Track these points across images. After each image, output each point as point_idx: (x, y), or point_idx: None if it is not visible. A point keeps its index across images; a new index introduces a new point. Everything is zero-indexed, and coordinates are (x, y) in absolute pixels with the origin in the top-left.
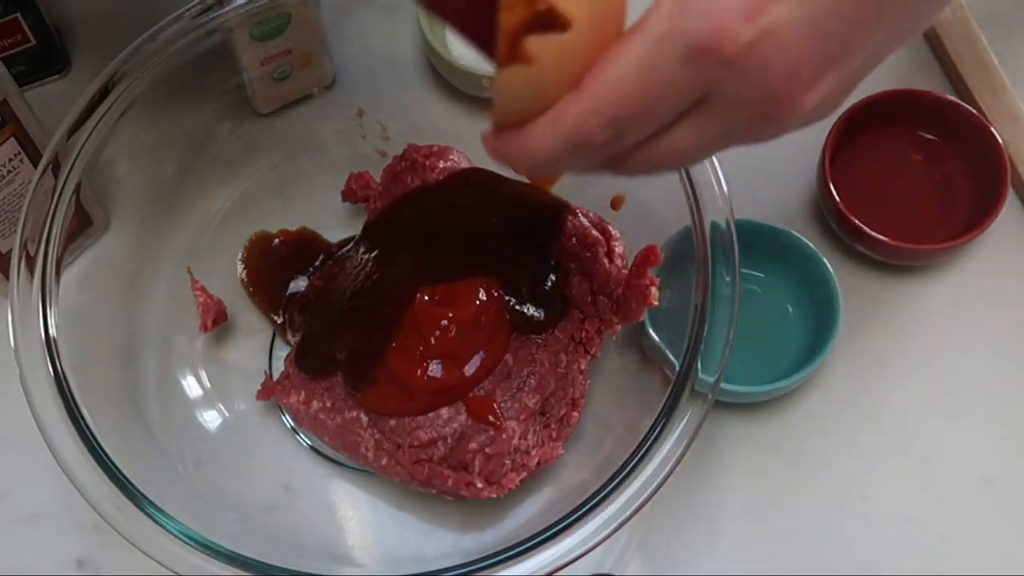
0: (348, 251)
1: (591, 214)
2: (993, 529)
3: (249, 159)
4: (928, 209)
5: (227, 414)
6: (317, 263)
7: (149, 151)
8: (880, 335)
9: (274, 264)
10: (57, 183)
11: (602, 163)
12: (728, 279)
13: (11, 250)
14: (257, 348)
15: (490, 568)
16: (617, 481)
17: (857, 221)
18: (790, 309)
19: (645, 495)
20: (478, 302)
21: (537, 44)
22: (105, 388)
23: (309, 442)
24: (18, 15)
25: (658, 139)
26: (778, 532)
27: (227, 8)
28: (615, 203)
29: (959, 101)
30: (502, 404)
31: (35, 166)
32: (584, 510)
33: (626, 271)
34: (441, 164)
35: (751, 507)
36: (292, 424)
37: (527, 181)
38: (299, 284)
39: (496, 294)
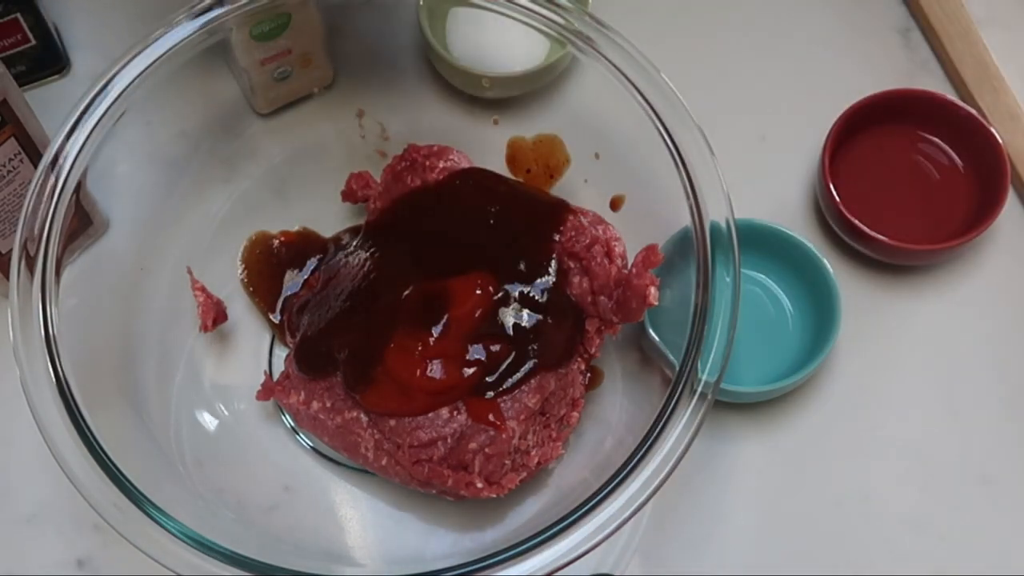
0: (348, 252)
1: (591, 214)
2: (993, 529)
3: (249, 159)
4: (928, 209)
5: (227, 414)
6: (316, 262)
7: (149, 151)
8: (880, 335)
9: (274, 264)
10: (57, 183)
11: None
12: (728, 279)
13: (11, 250)
14: (257, 348)
15: (490, 568)
16: (617, 481)
17: (857, 221)
18: (790, 309)
19: (645, 495)
20: (478, 302)
21: None
22: (105, 388)
23: (309, 442)
24: (18, 15)
25: None
26: (778, 532)
27: (227, 8)
28: (615, 203)
29: (959, 101)
30: (502, 404)
31: (35, 166)
32: (584, 510)
33: (626, 271)
34: (441, 164)
35: (751, 507)
36: (292, 424)
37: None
38: (298, 284)
39: (496, 294)
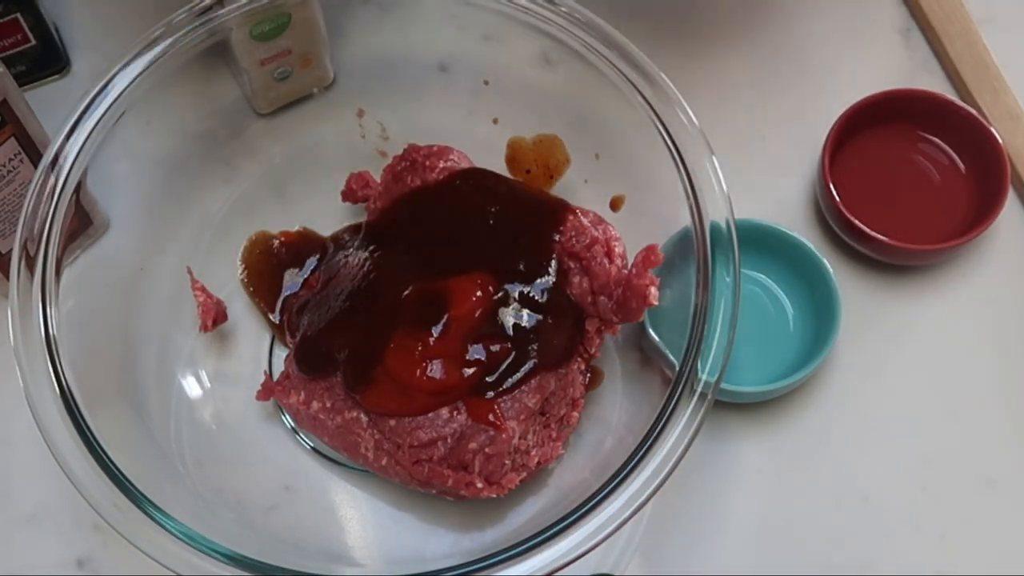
0: (348, 252)
1: (591, 214)
2: (993, 529)
3: (249, 159)
4: (928, 209)
5: (227, 414)
6: (316, 262)
7: (149, 151)
8: (880, 335)
9: (274, 264)
10: (57, 183)
11: None
12: (728, 279)
13: (11, 250)
14: (257, 348)
15: (490, 568)
16: (617, 481)
17: (857, 221)
18: (790, 309)
19: (645, 495)
20: (478, 302)
21: None
22: (105, 388)
23: (309, 442)
24: (18, 15)
25: None
26: (778, 532)
27: (227, 8)
28: (615, 203)
29: (959, 101)
30: (502, 404)
31: (35, 166)
32: (584, 510)
33: (626, 271)
34: (441, 164)
35: (751, 507)
36: (292, 424)
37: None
38: (298, 284)
39: (495, 294)
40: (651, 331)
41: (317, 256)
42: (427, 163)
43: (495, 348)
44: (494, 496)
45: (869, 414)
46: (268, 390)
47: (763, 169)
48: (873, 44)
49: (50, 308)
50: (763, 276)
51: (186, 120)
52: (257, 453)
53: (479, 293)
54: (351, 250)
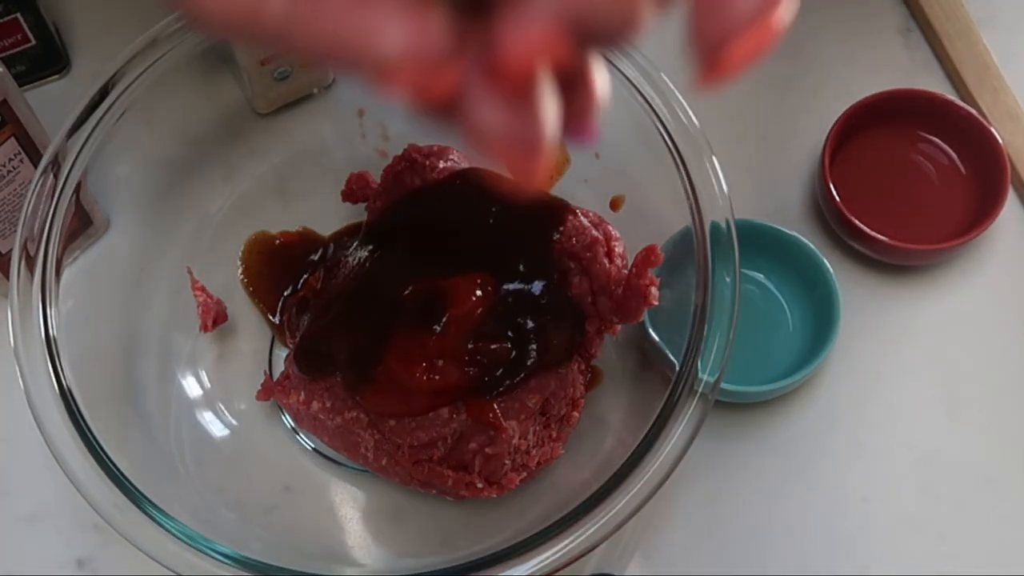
0: (348, 252)
1: (591, 214)
2: (993, 529)
3: (249, 159)
4: (928, 209)
5: (227, 414)
6: (316, 262)
7: (149, 151)
8: (880, 335)
9: (274, 264)
10: (57, 183)
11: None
12: (728, 279)
13: (11, 250)
14: (257, 348)
15: (490, 568)
16: (617, 481)
17: (857, 221)
18: (790, 309)
19: (645, 495)
20: (478, 302)
21: None
22: (105, 388)
23: (309, 442)
24: (18, 15)
25: None
26: (778, 532)
27: None
28: (615, 203)
29: (959, 101)
30: (502, 404)
31: (35, 166)
32: (584, 510)
33: (626, 271)
34: (441, 164)
35: (751, 507)
36: (292, 424)
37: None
38: (298, 284)
39: (495, 294)
40: (651, 331)
41: (317, 256)
42: (427, 163)
43: (495, 348)
44: (494, 496)
45: (869, 414)
46: (268, 390)
47: (763, 169)
48: (873, 44)
49: (50, 308)
50: (763, 276)
51: (186, 120)
52: (257, 453)
53: (479, 293)
54: (351, 250)
